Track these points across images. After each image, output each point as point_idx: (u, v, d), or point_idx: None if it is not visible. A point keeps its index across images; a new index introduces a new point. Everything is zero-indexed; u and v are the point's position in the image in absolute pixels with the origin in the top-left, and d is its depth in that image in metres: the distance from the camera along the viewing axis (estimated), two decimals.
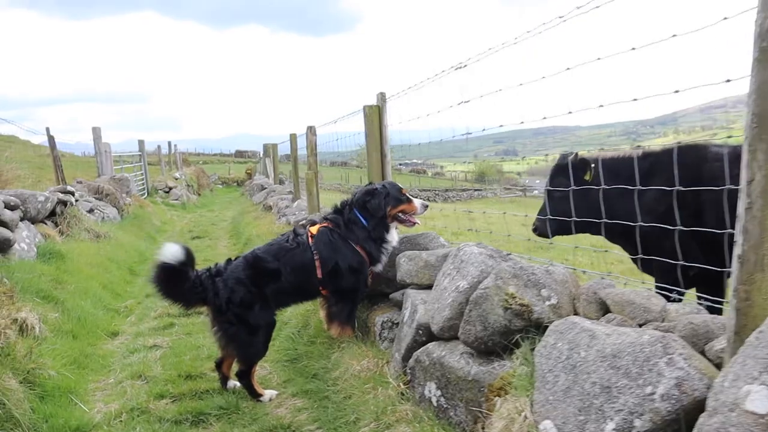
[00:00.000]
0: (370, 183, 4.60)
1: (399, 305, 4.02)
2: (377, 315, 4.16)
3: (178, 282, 3.73)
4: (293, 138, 11.36)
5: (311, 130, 8.60)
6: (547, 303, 2.59)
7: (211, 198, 25.11)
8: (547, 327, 2.56)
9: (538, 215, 4.31)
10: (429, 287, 3.73)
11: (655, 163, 3.82)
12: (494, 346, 2.61)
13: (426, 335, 3.20)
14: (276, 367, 4.47)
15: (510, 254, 3.20)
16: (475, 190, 49.82)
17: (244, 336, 3.83)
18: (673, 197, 3.60)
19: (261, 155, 30.55)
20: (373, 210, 4.09)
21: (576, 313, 2.69)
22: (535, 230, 4.30)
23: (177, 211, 16.35)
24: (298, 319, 5.06)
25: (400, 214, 4.23)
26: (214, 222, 14.60)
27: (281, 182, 16.94)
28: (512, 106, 3.36)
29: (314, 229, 4.14)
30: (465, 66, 3.68)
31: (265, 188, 15.95)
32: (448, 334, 2.88)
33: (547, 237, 4.22)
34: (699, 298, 3.32)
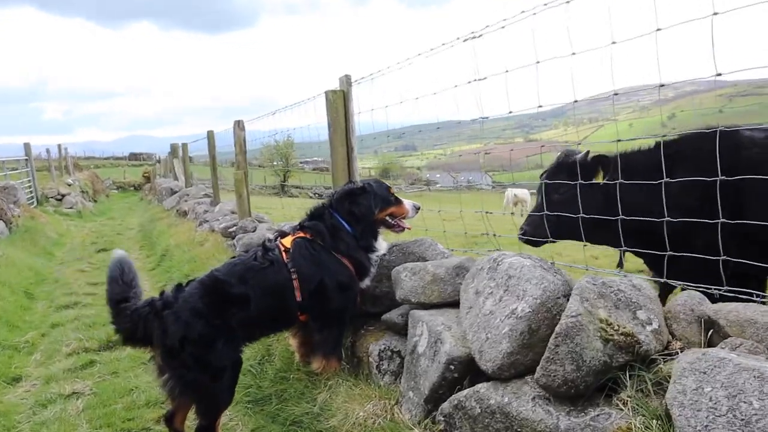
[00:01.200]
0: (350, 181, 3.85)
1: (396, 329, 3.31)
2: (370, 342, 3.41)
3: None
4: (211, 135, 10.22)
5: (239, 125, 7.64)
6: (649, 328, 2.00)
7: (109, 204, 23.23)
8: (653, 360, 1.98)
9: (531, 213, 3.76)
10: (437, 306, 3.06)
11: (677, 153, 3.39)
12: (586, 390, 1.99)
13: (460, 371, 2.52)
14: (237, 411, 3.63)
15: (554, 263, 2.59)
16: None
17: (205, 382, 2.99)
18: (703, 189, 3.19)
19: (162, 157, 28.67)
20: (362, 213, 3.35)
21: (673, 336, 2.13)
22: (523, 235, 3.72)
23: (74, 221, 14.61)
24: (257, 348, 4.20)
25: (387, 218, 3.53)
26: (119, 231, 13.11)
27: (191, 185, 15.57)
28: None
29: (287, 242, 3.34)
30: (477, 36, 3.06)
31: (176, 192, 14.53)
32: (509, 373, 2.21)
33: (536, 245, 3.66)
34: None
